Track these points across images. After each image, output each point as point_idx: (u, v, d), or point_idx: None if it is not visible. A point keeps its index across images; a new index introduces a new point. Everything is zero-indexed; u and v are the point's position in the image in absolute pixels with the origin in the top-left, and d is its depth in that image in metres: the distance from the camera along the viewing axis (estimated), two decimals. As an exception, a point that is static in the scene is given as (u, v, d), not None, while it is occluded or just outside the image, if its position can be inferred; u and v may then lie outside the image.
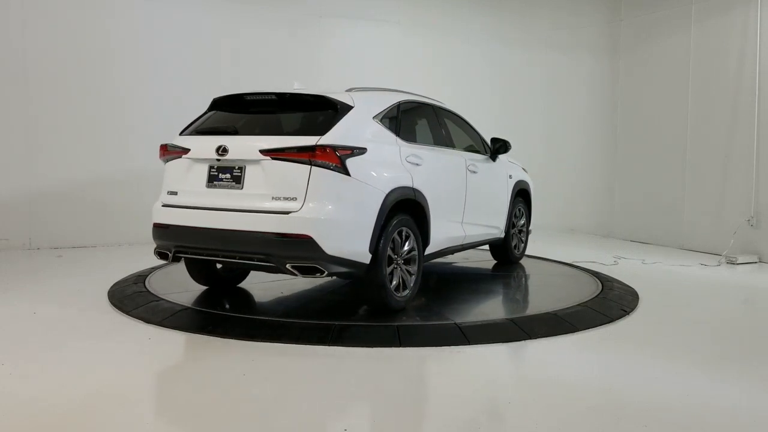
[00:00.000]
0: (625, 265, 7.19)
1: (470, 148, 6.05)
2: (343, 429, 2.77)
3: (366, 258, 4.37)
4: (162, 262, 4.92)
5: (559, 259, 7.27)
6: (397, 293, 4.65)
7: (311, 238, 4.12)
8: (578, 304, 4.98)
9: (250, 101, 4.80)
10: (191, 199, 4.55)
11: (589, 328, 4.46)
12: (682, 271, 6.99)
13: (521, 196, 6.93)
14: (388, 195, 4.47)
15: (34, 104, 7.81)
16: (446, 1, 10.08)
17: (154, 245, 4.76)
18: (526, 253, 7.50)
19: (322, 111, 4.55)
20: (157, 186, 8.26)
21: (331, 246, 4.16)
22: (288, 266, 4.18)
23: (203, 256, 4.56)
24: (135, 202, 8.34)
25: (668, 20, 9.06)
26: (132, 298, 5.01)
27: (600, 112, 10.32)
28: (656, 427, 2.85)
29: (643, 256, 7.90)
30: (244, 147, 4.39)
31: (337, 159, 4.21)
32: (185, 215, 4.52)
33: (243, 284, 5.56)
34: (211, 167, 4.50)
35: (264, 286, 5.52)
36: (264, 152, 4.27)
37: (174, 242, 4.59)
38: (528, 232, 7.19)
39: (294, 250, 4.17)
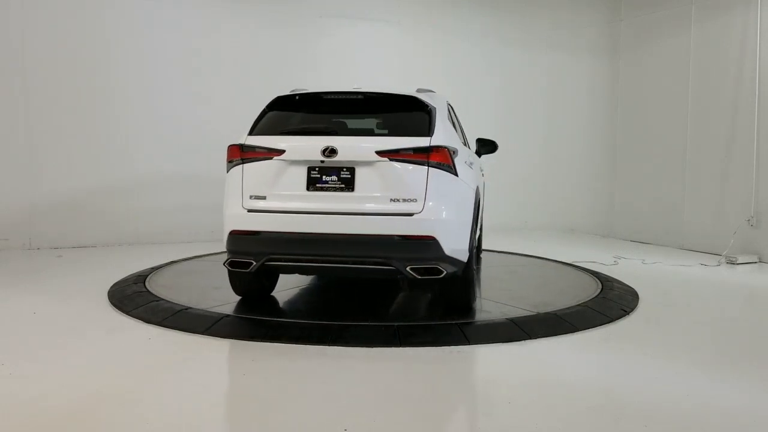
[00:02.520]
0: (625, 265, 7.19)
1: None
2: (343, 429, 2.77)
3: (466, 256, 4.44)
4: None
5: (559, 259, 7.27)
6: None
7: (435, 238, 4.13)
8: (578, 304, 4.98)
9: (328, 101, 4.64)
10: (287, 203, 4.28)
11: (589, 328, 4.46)
12: (682, 271, 6.98)
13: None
14: (476, 193, 4.63)
15: (34, 105, 7.81)
16: (446, 1, 10.09)
17: (230, 255, 4.38)
18: (528, 252, 7.50)
19: (411, 112, 4.55)
20: (158, 186, 8.37)
21: (449, 246, 4.21)
22: (408, 269, 4.13)
23: (303, 262, 4.33)
24: (135, 203, 8.35)
25: (668, 20, 9.05)
26: (132, 298, 5.01)
27: (600, 112, 10.32)
28: (656, 427, 2.85)
29: (643, 256, 7.90)
30: (355, 148, 4.26)
31: (450, 159, 4.28)
32: (281, 221, 4.25)
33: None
34: (311, 169, 4.28)
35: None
36: (380, 153, 4.19)
37: (266, 250, 4.28)
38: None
39: (417, 252, 4.16)
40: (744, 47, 7.91)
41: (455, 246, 4.28)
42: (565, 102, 10.63)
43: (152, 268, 6.23)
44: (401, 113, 4.63)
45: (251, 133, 4.54)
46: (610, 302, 5.13)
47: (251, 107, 8.91)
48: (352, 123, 4.73)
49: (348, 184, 4.23)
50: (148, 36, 8.34)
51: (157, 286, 5.43)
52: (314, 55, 9.13)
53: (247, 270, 4.35)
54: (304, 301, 5.23)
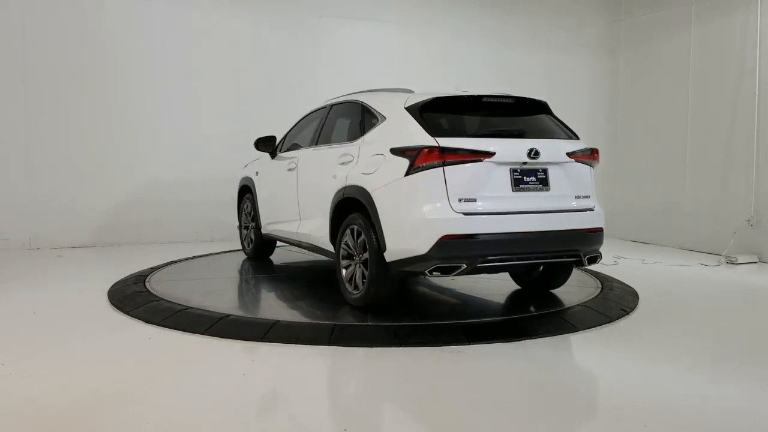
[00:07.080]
0: (625, 265, 7.19)
1: None
2: (343, 429, 2.77)
3: None
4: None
5: (559, 259, 7.26)
6: None
7: (602, 230, 4.78)
8: (578, 304, 4.98)
9: (486, 103, 4.77)
10: (496, 204, 4.35)
11: (589, 328, 4.46)
12: (682, 271, 6.98)
13: None
14: None
15: (34, 104, 7.82)
16: (445, 1, 10.08)
17: (436, 261, 4.18)
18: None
19: (547, 115, 4.97)
20: (157, 186, 8.36)
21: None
22: (586, 258, 4.64)
23: (511, 261, 4.48)
24: (135, 203, 8.35)
25: (668, 20, 9.05)
26: (132, 298, 5.01)
27: (600, 112, 10.31)
28: (656, 426, 2.86)
29: (643, 256, 7.90)
30: (552, 150, 4.59)
31: (598, 159, 4.89)
32: (493, 222, 4.32)
33: (234, 283, 5.56)
34: (513, 170, 4.44)
35: (261, 285, 5.51)
36: (569, 154, 4.65)
37: (482, 252, 4.29)
38: None
39: (593, 243, 4.72)
40: (744, 47, 7.91)
41: None
42: (565, 102, 10.59)
43: (152, 268, 6.23)
44: (541, 116, 4.95)
45: (434, 134, 4.34)
46: (610, 302, 5.13)
47: (251, 107, 8.97)
48: (513, 125, 4.89)
49: (544, 184, 4.55)
50: (147, 36, 8.33)
51: (157, 286, 5.43)
52: (314, 55, 9.13)
53: (450, 275, 4.37)
54: (305, 300, 5.22)
